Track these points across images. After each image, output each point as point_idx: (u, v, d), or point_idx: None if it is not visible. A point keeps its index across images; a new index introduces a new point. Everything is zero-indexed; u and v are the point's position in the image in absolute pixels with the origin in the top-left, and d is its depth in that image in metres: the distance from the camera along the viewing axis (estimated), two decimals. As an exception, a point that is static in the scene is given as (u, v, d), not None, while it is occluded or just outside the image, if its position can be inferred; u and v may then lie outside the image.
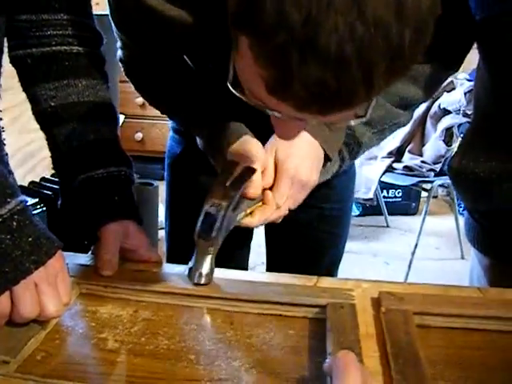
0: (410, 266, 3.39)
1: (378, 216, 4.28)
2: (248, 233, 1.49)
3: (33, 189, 2.40)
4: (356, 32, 0.60)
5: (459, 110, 3.45)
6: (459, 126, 3.46)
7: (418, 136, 3.73)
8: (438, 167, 3.49)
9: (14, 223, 0.79)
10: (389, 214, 4.26)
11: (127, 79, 1.17)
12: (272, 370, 0.76)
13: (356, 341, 0.78)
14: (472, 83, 3.07)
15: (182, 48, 1.03)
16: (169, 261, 1.43)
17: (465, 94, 3.40)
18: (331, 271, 1.47)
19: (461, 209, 3.58)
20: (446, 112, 3.59)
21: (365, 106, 0.80)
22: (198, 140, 1.15)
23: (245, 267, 1.52)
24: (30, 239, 0.79)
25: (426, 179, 3.52)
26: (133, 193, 1.08)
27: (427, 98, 1.20)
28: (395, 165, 3.64)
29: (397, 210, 4.39)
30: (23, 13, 1.01)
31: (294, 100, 0.67)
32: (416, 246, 3.38)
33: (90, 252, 1.06)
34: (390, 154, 3.68)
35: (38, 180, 2.51)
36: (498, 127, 1.08)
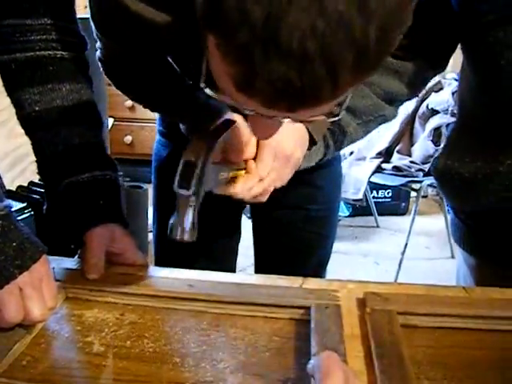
0: (400, 266, 3.40)
1: (367, 216, 4.28)
2: (235, 234, 1.49)
3: (21, 193, 2.39)
4: (318, 28, 0.60)
5: (447, 109, 3.47)
6: (447, 125, 3.46)
7: (407, 136, 3.74)
8: (426, 167, 3.50)
9: None
10: (379, 215, 4.26)
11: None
12: (257, 372, 0.76)
13: (340, 341, 0.78)
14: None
15: (161, 49, 1.03)
16: (157, 264, 1.43)
17: (453, 93, 3.42)
18: (319, 272, 1.47)
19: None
20: (434, 112, 3.60)
21: (338, 104, 0.80)
22: (181, 127, 1.15)
23: (232, 270, 1.53)
24: (14, 244, 0.80)
25: (415, 179, 3.53)
26: (119, 196, 1.08)
27: (412, 95, 1.20)
28: (384, 165, 3.64)
29: (387, 210, 4.40)
30: (7, 18, 1.01)
31: (260, 97, 0.68)
32: (406, 245, 3.39)
33: (76, 256, 1.05)
34: (379, 154, 3.69)
35: (26, 184, 2.51)
36: (482, 127, 1.09)
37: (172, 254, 1.40)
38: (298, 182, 1.29)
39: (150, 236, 1.62)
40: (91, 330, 0.86)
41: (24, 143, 1.09)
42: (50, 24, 1.03)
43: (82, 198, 1.03)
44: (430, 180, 3.47)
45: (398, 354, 0.75)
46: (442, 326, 0.86)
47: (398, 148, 3.73)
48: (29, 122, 1.07)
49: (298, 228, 1.40)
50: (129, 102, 4.26)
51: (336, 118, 0.84)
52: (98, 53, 1.12)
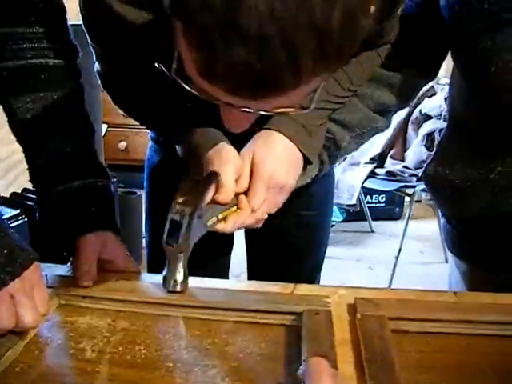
0: (394, 271, 3.40)
1: (361, 221, 4.28)
2: (228, 242, 1.49)
3: (14, 200, 2.39)
4: (276, 11, 0.61)
5: (440, 115, 3.47)
6: (440, 130, 3.47)
7: (400, 141, 3.75)
8: (420, 172, 3.49)
9: None
10: (373, 219, 4.26)
11: (109, 88, 1.17)
12: (248, 378, 0.77)
13: (331, 347, 0.79)
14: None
15: (146, 52, 1.03)
16: (149, 269, 1.43)
17: (445, 99, 3.42)
18: (312, 277, 1.47)
19: (443, 213, 3.59)
20: (427, 117, 3.61)
21: (308, 97, 0.81)
22: (177, 148, 1.15)
23: (225, 276, 1.53)
24: (5, 251, 0.80)
25: (409, 184, 3.53)
26: (111, 203, 1.09)
27: (404, 105, 1.21)
28: (378, 170, 3.65)
29: (381, 215, 4.40)
30: None
31: (223, 83, 0.68)
32: (400, 250, 3.39)
33: (69, 263, 1.06)
34: (373, 159, 3.69)
35: (20, 191, 2.51)
36: (472, 134, 1.09)
37: (164, 260, 1.41)
38: None
39: (144, 241, 1.62)
40: (84, 337, 0.86)
41: (17, 150, 1.10)
42: (41, 32, 1.03)
43: (73, 206, 1.03)
44: (424, 185, 3.48)
45: (388, 360, 0.76)
46: (432, 331, 0.87)
47: (391, 153, 3.73)
48: (20, 129, 1.07)
49: (290, 234, 1.40)
50: (123, 108, 4.26)
51: (306, 111, 0.84)
52: (95, 65, 1.13)
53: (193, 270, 1.35)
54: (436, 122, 3.51)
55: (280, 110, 0.79)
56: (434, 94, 3.67)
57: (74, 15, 1.12)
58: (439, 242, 3.72)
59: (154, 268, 1.43)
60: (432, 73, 1.19)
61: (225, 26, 0.62)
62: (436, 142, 3.51)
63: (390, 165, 3.68)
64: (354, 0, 0.65)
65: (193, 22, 0.65)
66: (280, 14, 0.61)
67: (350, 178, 3.62)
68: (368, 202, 4.26)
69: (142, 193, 2.80)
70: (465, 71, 1.09)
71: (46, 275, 0.96)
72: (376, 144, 3.73)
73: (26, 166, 1.10)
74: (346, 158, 3.80)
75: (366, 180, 3.59)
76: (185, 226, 0.90)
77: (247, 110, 0.76)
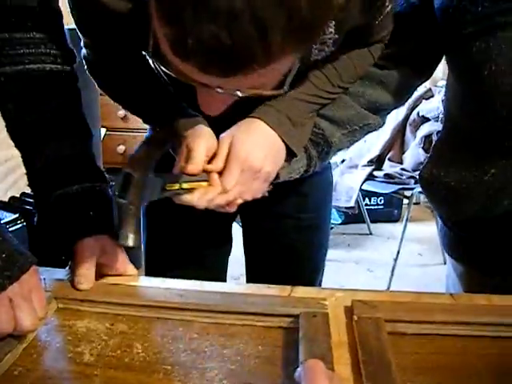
0: (392, 273, 3.40)
1: (360, 224, 4.28)
2: (226, 243, 1.50)
3: (13, 204, 2.40)
4: None
5: (438, 117, 3.48)
6: (438, 133, 3.47)
7: (398, 144, 3.75)
8: (417, 174, 3.50)
9: None
10: (371, 222, 4.27)
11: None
12: (246, 380, 0.77)
13: (328, 349, 0.79)
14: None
15: (132, 40, 1.03)
16: (147, 272, 1.44)
17: (442, 101, 3.43)
18: (312, 281, 1.46)
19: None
20: (424, 119, 3.61)
21: (281, 78, 0.82)
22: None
23: (223, 279, 1.53)
24: (3, 255, 0.80)
25: (407, 186, 3.53)
26: (108, 207, 1.09)
27: (398, 103, 1.20)
28: (376, 173, 3.65)
29: (379, 217, 4.40)
30: None
31: (195, 59, 0.70)
32: (398, 252, 3.39)
33: (67, 267, 1.06)
34: (371, 162, 3.70)
35: (18, 195, 2.51)
36: (466, 137, 1.10)
37: (162, 260, 1.41)
38: (286, 191, 1.30)
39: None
40: (82, 340, 0.86)
41: (16, 154, 1.10)
42: (38, 38, 1.04)
43: (71, 210, 1.04)
44: (421, 187, 3.48)
45: (385, 361, 0.76)
46: (428, 333, 0.87)
47: (389, 155, 3.73)
48: (18, 134, 1.08)
49: (288, 237, 1.40)
50: (121, 112, 4.27)
51: (280, 92, 0.85)
52: (82, 51, 1.14)
53: (190, 271, 1.36)
54: (434, 125, 3.51)
55: (254, 92, 0.80)
56: (432, 97, 3.68)
57: (69, 19, 1.13)
58: (438, 244, 3.72)
59: (152, 270, 1.43)
60: (427, 73, 1.19)
61: (195, 0, 0.64)
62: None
63: (388, 167, 3.68)
64: None
65: None
66: None
67: (349, 180, 3.62)
68: (366, 205, 4.27)
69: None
70: (458, 74, 1.09)
71: (44, 279, 0.97)
72: (374, 146, 3.73)
73: (25, 171, 1.10)
74: (344, 161, 3.81)
75: (364, 182, 3.59)
76: (135, 180, 0.90)
77: (220, 89, 0.77)
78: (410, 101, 3.64)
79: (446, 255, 1.30)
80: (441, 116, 3.44)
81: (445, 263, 3.59)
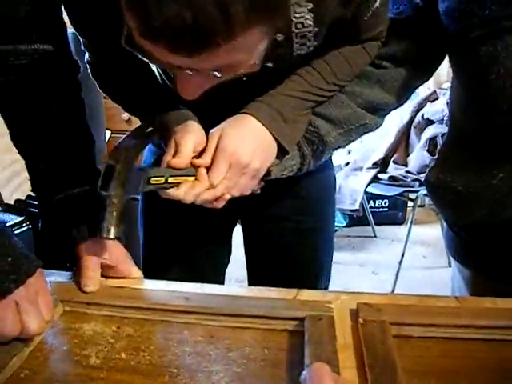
0: (397, 276, 3.39)
1: (365, 226, 4.28)
2: (224, 248, 1.50)
3: (18, 207, 2.40)
4: None
5: (442, 119, 3.47)
6: (443, 135, 3.47)
7: (403, 146, 3.75)
8: (422, 177, 3.48)
9: None
10: (376, 224, 4.26)
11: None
12: None
13: (333, 352, 0.79)
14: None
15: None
16: (145, 273, 1.44)
17: (447, 103, 3.42)
18: (315, 284, 1.44)
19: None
20: (429, 122, 3.61)
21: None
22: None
23: (221, 281, 1.53)
24: (9, 259, 0.81)
25: (412, 189, 3.52)
26: None
27: (397, 104, 1.18)
28: (380, 175, 3.65)
29: (384, 219, 4.40)
30: (1, 44, 1.03)
31: (162, 41, 0.71)
32: (403, 255, 3.39)
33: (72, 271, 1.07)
34: (375, 164, 3.70)
35: (24, 198, 2.51)
36: (473, 141, 1.09)
37: (160, 261, 1.41)
38: (284, 194, 1.29)
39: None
40: (88, 343, 0.87)
41: (20, 158, 1.11)
42: (42, 49, 1.05)
43: (72, 213, 1.04)
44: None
45: (391, 364, 0.76)
46: (434, 336, 0.87)
47: (393, 158, 3.73)
48: (20, 141, 1.08)
49: (287, 240, 1.39)
50: (125, 115, 4.27)
51: (253, 69, 0.86)
52: (85, 56, 1.16)
53: (188, 269, 1.36)
54: (438, 127, 3.51)
55: (229, 72, 0.82)
56: (437, 99, 3.67)
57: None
58: (442, 247, 3.72)
59: (149, 271, 1.43)
60: (427, 74, 1.18)
61: None
62: (438, 147, 3.51)
63: (393, 170, 3.68)
64: None
65: None
66: None
67: (353, 183, 3.62)
68: (371, 207, 4.27)
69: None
70: (463, 78, 1.08)
71: (50, 282, 0.97)
72: (379, 149, 3.73)
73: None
74: (348, 163, 3.80)
75: (368, 185, 3.59)
76: (118, 172, 0.90)
77: (193, 70, 0.79)
78: (415, 103, 3.64)
79: (452, 259, 1.29)
80: (445, 119, 3.43)
81: (449, 266, 3.59)
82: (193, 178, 1.00)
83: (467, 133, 1.10)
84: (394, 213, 4.46)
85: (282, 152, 1.08)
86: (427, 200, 4.56)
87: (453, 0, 0.97)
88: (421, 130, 3.65)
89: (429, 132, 3.58)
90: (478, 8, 0.94)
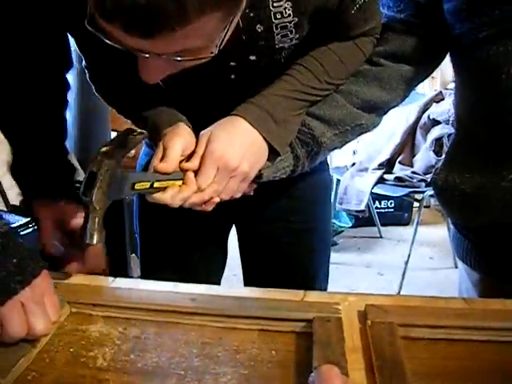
0: (403, 277, 3.39)
1: (370, 227, 4.29)
2: (220, 251, 1.50)
3: (24, 208, 2.40)
4: None
5: (448, 120, 3.46)
6: (449, 136, 3.46)
7: (409, 147, 3.74)
8: (428, 177, 3.49)
9: None
10: (382, 225, 4.26)
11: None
12: (259, 385, 0.77)
13: (342, 354, 0.78)
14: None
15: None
16: (143, 273, 1.44)
17: (453, 104, 3.41)
18: (312, 285, 1.43)
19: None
20: (435, 122, 3.60)
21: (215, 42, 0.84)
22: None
23: (217, 282, 1.52)
24: (14, 260, 0.81)
25: (418, 190, 3.52)
26: (71, 174, 1.15)
27: (395, 102, 1.17)
28: (386, 176, 3.64)
29: (389, 220, 4.40)
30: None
31: (117, 20, 0.72)
32: (409, 256, 3.38)
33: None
34: (381, 165, 3.69)
35: (29, 199, 2.51)
36: (481, 143, 1.08)
37: (156, 259, 1.41)
38: (277, 195, 1.29)
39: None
40: (95, 345, 0.86)
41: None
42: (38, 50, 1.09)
43: (30, 170, 1.12)
44: (432, 190, 3.46)
45: (399, 366, 0.76)
46: (442, 338, 0.87)
47: (399, 159, 3.73)
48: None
49: (280, 241, 1.38)
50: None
51: (209, 55, 0.86)
52: (83, 62, 1.17)
53: (184, 272, 1.35)
54: (444, 127, 3.50)
55: (185, 59, 0.83)
56: (442, 100, 3.67)
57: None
58: (448, 248, 3.72)
59: (146, 273, 1.43)
60: (427, 72, 1.18)
61: None
62: (445, 147, 3.50)
63: (399, 170, 3.67)
64: None
65: None
66: None
67: (359, 183, 3.62)
68: (377, 208, 4.27)
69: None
70: (468, 77, 1.08)
71: (54, 283, 0.97)
72: (385, 150, 3.73)
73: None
74: (354, 164, 3.80)
75: (374, 186, 3.59)
76: (100, 178, 0.89)
77: (152, 55, 0.80)
78: (421, 104, 3.63)
79: (459, 261, 1.28)
80: (451, 119, 3.42)
81: (456, 267, 3.59)
82: (180, 182, 0.99)
83: (475, 133, 1.10)
84: (399, 213, 4.46)
85: (273, 154, 1.07)
86: (433, 201, 4.56)
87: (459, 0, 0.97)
88: (427, 130, 3.65)
89: (435, 133, 3.57)
90: (487, 8, 0.94)
